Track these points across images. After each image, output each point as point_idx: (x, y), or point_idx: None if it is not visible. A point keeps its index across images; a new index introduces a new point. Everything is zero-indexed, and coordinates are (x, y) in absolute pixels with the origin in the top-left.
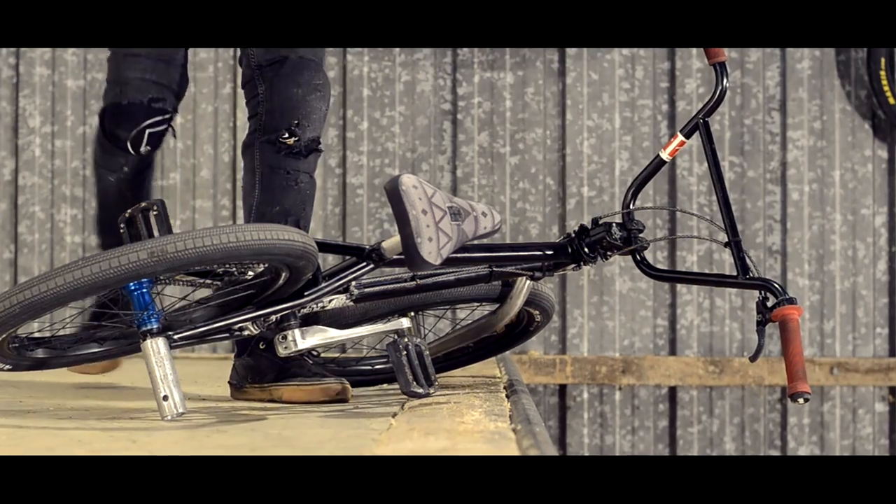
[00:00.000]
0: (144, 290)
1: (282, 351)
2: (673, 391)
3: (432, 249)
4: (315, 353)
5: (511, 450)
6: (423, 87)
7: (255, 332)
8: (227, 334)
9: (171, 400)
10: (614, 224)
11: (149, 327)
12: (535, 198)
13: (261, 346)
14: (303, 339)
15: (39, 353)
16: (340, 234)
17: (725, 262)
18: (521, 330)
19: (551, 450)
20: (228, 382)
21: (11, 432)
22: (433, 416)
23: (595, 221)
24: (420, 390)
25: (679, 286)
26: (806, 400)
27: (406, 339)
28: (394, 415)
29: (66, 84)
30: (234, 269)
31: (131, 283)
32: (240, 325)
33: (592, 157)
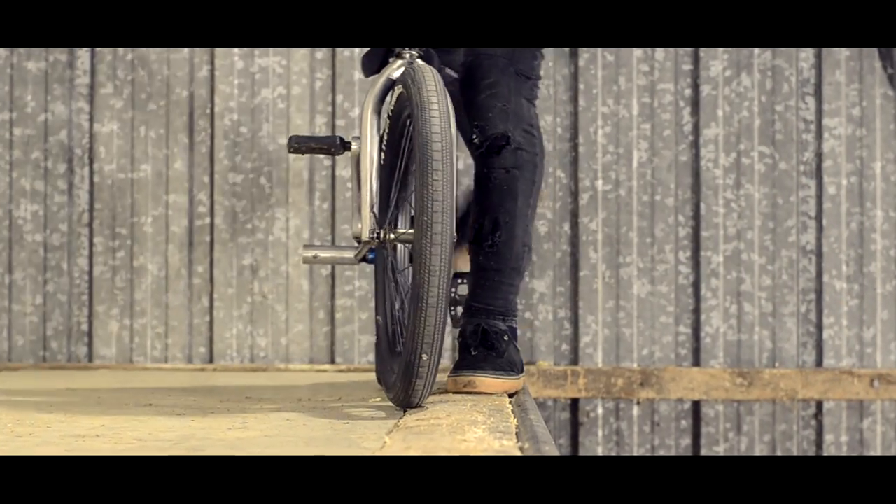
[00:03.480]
0: None
1: None
2: (697, 406)
3: None
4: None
5: None
6: None
7: None
8: None
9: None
10: None
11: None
12: (544, 192)
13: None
14: None
15: None
16: (329, 232)
17: (755, 263)
18: None
19: None
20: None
21: None
22: (432, 434)
23: None
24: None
25: (704, 291)
26: None
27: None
28: (388, 432)
29: (25, 66)
30: None
31: None
32: None
33: (608, 147)
